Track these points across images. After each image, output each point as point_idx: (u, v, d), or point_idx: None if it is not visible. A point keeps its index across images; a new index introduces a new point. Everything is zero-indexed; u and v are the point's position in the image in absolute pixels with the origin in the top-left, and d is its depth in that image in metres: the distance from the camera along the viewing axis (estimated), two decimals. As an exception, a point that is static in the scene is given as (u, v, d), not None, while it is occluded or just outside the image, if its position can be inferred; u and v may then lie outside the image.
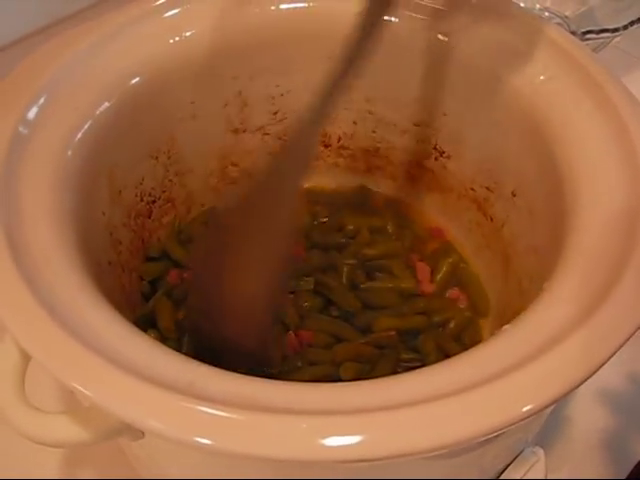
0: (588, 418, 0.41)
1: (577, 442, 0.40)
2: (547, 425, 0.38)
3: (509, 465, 0.34)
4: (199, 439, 0.21)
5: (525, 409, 0.22)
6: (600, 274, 0.26)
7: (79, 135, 0.32)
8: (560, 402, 0.32)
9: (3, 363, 0.26)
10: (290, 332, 0.38)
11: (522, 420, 0.22)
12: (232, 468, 0.28)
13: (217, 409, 0.21)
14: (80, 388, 0.22)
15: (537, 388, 0.23)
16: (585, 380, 0.23)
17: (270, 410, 0.21)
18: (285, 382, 0.24)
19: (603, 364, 0.23)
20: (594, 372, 0.23)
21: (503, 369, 0.23)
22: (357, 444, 0.21)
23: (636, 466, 0.39)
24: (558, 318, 0.25)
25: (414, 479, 0.28)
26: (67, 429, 0.25)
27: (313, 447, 0.21)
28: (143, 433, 0.26)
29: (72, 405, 0.39)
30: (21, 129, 0.30)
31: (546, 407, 0.22)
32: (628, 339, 0.24)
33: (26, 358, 0.26)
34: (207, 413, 0.21)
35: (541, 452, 0.36)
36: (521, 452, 0.35)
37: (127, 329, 0.25)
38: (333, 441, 0.21)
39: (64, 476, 0.39)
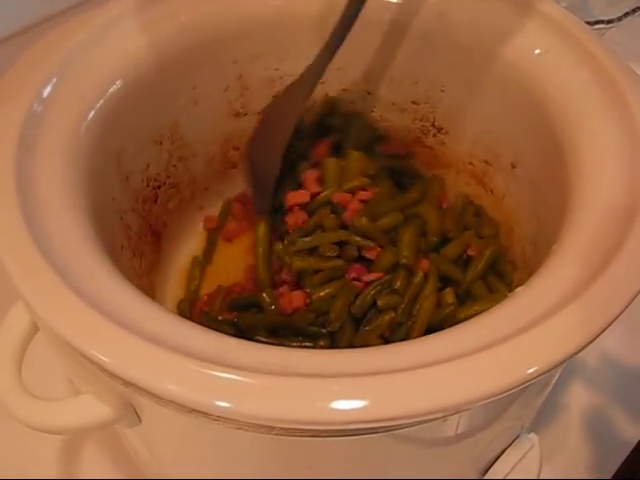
0: (581, 403, 0.42)
1: (571, 428, 0.41)
2: (542, 412, 0.39)
3: (505, 451, 0.35)
4: (218, 402, 0.21)
5: (530, 371, 0.23)
6: (605, 237, 0.26)
7: (91, 114, 0.32)
8: (554, 389, 0.33)
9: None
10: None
11: (528, 382, 0.23)
12: (230, 463, 0.29)
13: (232, 374, 0.22)
14: (94, 352, 0.22)
15: (543, 350, 0.23)
16: (593, 340, 0.24)
17: (287, 374, 0.22)
18: (308, 349, 0.24)
19: (608, 326, 0.24)
20: (601, 332, 0.24)
21: (509, 333, 0.24)
22: (364, 407, 0.21)
23: (623, 464, 0.40)
24: (567, 279, 0.25)
25: (413, 462, 0.28)
26: (66, 415, 0.26)
27: (323, 409, 0.21)
28: (140, 419, 0.27)
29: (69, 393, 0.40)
30: (36, 106, 0.31)
31: (549, 371, 0.23)
32: (630, 303, 0.24)
33: (24, 344, 0.27)
34: (222, 378, 0.22)
35: (536, 438, 0.36)
36: (516, 438, 0.35)
37: (148, 303, 0.25)
38: (341, 404, 0.21)
39: (62, 468, 0.39)
